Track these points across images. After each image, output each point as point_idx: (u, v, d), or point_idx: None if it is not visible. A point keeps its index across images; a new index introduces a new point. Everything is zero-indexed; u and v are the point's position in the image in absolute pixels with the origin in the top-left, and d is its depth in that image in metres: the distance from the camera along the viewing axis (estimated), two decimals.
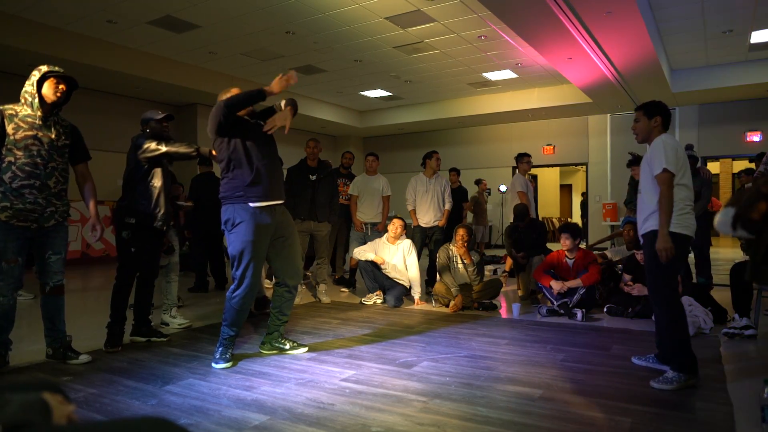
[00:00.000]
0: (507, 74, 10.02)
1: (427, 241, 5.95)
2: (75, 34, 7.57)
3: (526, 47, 8.18)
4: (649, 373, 2.94)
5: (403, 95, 11.83)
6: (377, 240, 5.51)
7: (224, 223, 3.13)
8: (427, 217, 5.86)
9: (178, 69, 9.15)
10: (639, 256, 4.57)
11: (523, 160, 6.52)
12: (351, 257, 6.07)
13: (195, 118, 10.68)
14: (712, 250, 6.38)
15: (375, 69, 9.69)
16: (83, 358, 3.21)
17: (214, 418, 2.36)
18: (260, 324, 4.36)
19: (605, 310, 4.75)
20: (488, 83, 10.72)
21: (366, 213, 5.97)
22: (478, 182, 11.29)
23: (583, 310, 4.49)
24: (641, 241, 3.00)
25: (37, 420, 0.74)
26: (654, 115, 3.03)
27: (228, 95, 3.16)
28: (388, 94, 11.66)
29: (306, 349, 3.50)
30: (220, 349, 3.16)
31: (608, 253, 5.62)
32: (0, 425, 0.68)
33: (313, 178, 5.34)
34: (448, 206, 5.93)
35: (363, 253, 5.32)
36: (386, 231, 5.50)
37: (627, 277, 4.76)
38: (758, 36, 7.82)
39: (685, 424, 2.30)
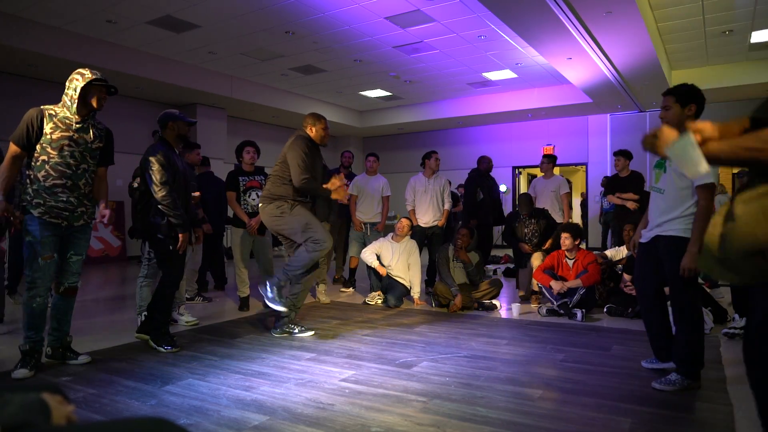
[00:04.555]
0: (507, 74, 10.02)
1: (426, 241, 5.95)
2: (75, 34, 7.56)
3: (526, 47, 8.18)
4: (649, 374, 2.94)
5: (403, 95, 11.83)
6: (381, 239, 5.51)
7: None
8: (427, 217, 5.87)
9: (178, 69, 9.14)
10: None
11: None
12: (351, 257, 6.08)
13: (194, 118, 10.68)
14: None
15: (375, 69, 9.69)
16: (83, 358, 3.21)
17: (213, 418, 2.36)
18: (259, 324, 4.37)
19: (605, 310, 4.75)
20: (488, 83, 10.72)
21: (365, 213, 5.98)
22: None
23: (583, 310, 4.50)
24: (643, 241, 2.95)
25: (37, 420, 0.74)
26: (688, 103, 2.69)
27: (316, 127, 3.89)
28: (388, 94, 11.66)
29: (313, 332, 3.96)
30: (275, 289, 3.69)
31: (608, 253, 5.62)
32: (0, 425, 0.68)
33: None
34: (447, 206, 5.93)
35: (368, 258, 5.33)
36: (385, 231, 5.51)
37: (627, 277, 4.76)
38: (758, 36, 7.82)
39: (685, 424, 2.30)
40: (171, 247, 3.50)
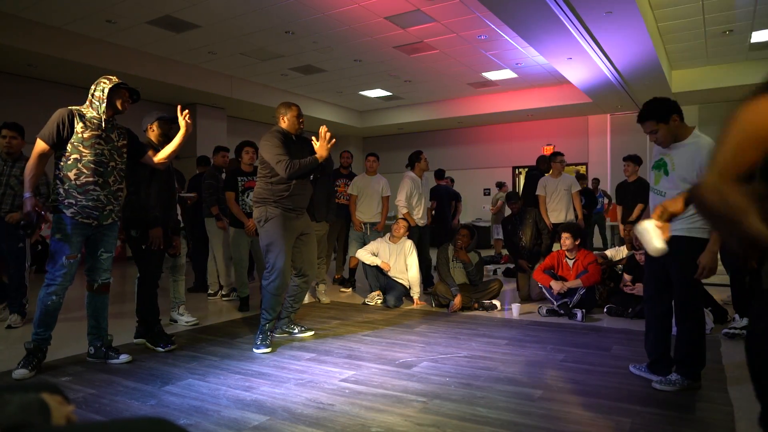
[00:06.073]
0: (507, 74, 10.02)
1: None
2: (75, 34, 7.56)
3: (526, 47, 8.18)
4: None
5: (403, 95, 11.83)
6: (378, 240, 5.50)
7: (257, 221, 3.60)
8: (425, 218, 5.92)
9: (178, 69, 9.14)
10: (639, 256, 4.56)
11: (555, 159, 6.12)
12: (351, 257, 6.08)
13: (194, 118, 10.65)
14: None
15: (375, 69, 9.69)
16: (124, 357, 3.24)
17: (213, 418, 2.36)
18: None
19: (605, 310, 4.74)
20: (488, 83, 10.72)
21: (365, 213, 5.98)
22: (501, 185, 11.28)
23: (583, 310, 4.49)
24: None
25: (36, 421, 0.74)
26: (669, 116, 2.77)
27: (288, 116, 3.63)
28: (388, 94, 11.66)
29: (312, 333, 3.95)
30: (260, 336, 3.53)
31: (608, 253, 5.62)
32: None
33: (311, 177, 5.34)
34: (430, 204, 6.02)
35: (368, 257, 5.29)
36: (385, 231, 5.51)
37: (627, 277, 4.75)
38: (758, 36, 7.82)
39: (685, 424, 2.30)
40: (143, 246, 3.53)
